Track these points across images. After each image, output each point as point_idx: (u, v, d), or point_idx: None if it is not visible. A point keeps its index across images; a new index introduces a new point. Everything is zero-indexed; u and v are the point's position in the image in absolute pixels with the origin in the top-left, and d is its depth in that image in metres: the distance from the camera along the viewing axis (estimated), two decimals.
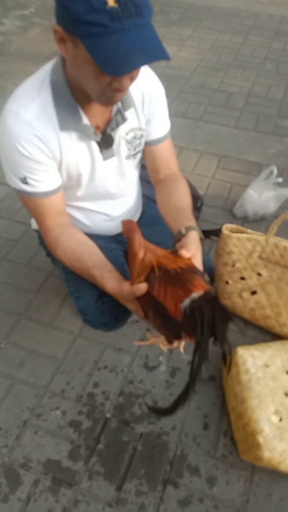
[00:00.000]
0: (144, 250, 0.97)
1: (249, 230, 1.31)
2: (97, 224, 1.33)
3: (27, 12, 4.17)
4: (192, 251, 0.99)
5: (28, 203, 1.09)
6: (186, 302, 0.85)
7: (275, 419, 1.15)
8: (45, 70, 1.00)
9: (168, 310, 0.87)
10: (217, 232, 1.47)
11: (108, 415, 1.29)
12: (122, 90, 0.90)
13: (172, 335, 0.91)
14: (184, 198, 1.22)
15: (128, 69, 0.80)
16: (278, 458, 1.09)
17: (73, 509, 1.11)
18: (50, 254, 1.44)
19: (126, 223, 1.02)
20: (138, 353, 1.44)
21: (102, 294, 1.26)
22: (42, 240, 1.39)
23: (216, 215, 1.99)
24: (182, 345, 0.98)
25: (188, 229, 1.08)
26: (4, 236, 1.88)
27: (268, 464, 1.11)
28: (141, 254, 0.96)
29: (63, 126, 1.00)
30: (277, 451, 1.09)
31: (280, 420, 1.15)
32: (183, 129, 2.54)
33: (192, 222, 1.12)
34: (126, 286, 0.99)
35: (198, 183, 2.13)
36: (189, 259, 0.97)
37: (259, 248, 1.28)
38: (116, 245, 1.42)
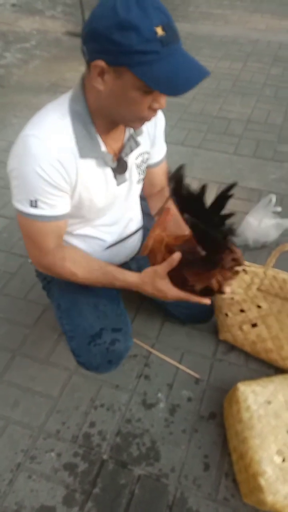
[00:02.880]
0: (162, 229, 1.10)
1: (246, 262, 1.30)
2: (98, 254, 1.33)
3: (28, 45, 4.31)
4: None
5: (29, 225, 1.08)
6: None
7: (277, 459, 1.12)
8: (63, 101, 1.04)
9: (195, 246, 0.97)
10: None
11: (104, 456, 1.27)
12: (160, 108, 0.97)
13: (215, 266, 0.99)
14: None
15: (187, 87, 0.87)
16: (282, 502, 1.05)
17: None
18: (46, 287, 1.44)
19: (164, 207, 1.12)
20: (136, 390, 1.42)
21: (95, 336, 1.25)
22: (40, 272, 1.39)
23: None
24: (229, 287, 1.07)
25: None
26: (1, 269, 1.88)
27: (271, 508, 1.07)
28: (157, 230, 1.09)
29: (83, 154, 1.03)
30: (280, 494, 1.06)
31: (283, 460, 1.11)
32: (182, 157, 2.57)
33: None
34: (156, 266, 1.08)
35: None
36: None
37: (257, 280, 1.27)
38: None
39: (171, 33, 0.83)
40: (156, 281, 1.08)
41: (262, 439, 1.13)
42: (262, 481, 1.07)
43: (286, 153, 2.63)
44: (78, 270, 1.14)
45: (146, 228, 1.55)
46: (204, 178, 2.41)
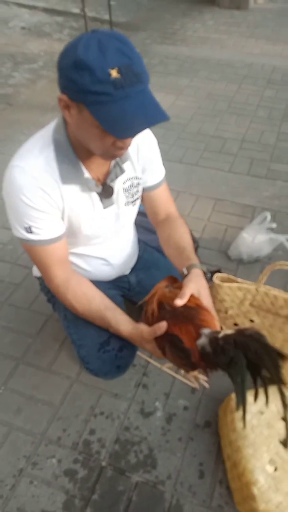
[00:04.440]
0: (171, 282, 1.08)
1: (239, 279, 1.30)
2: (97, 269, 1.33)
3: (35, 66, 4.34)
4: (191, 289, 1.01)
5: (33, 251, 1.10)
6: (203, 340, 0.90)
7: (270, 468, 1.11)
8: (48, 130, 1.04)
9: (184, 343, 0.92)
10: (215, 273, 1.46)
11: (103, 463, 1.25)
12: (124, 147, 0.95)
13: (189, 366, 0.95)
14: (183, 237, 1.24)
15: (133, 132, 0.85)
16: (274, 511, 1.04)
17: None
18: (51, 300, 1.43)
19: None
20: (135, 398, 1.41)
21: (104, 343, 1.25)
22: (44, 286, 1.38)
23: (211, 257, 1.99)
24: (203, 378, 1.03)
25: (189, 268, 1.11)
26: (6, 280, 1.88)
27: None
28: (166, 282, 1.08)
29: (65, 180, 1.03)
30: (272, 503, 1.04)
31: (275, 469, 1.10)
32: (180, 174, 2.58)
33: (192, 260, 1.15)
34: (144, 327, 1.04)
35: (194, 226, 2.15)
36: (194, 297, 1.03)
37: (250, 296, 1.27)
38: (116, 291, 1.42)
39: (130, 76, 0.80)
40: (143, 343, 1.08)
41: (255, 449, 1.12)
42: (255, 490, 1.05)
43: (278, 172, 2.64)
44: (78, 306, 1.15)
45: (143, 242, 1.55)
46: (201, 194, 2.42)
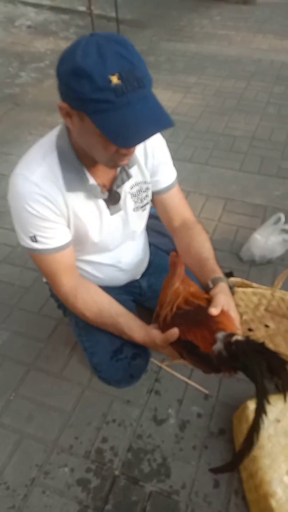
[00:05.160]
0: (181, 282, 1.02)
1: (254, 284, 1.27)
2: (107, 275, 1.30)
3: (42, 65, 4.31)
4: (222, 301, 0.99)
5: (40, 260, 1.08)
6: (219, 345, 0.88)
7: None
8: (51, 137, 1.02)
9: (200, 348, 0.90)
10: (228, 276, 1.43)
11: (116, 472, 1.23)
12: (129, 154, 0.93)
13: (212, 369, 0.92)
14: (204, 246, 1.20)
15: (137, 141, 0.82)
16: None
17: None
18: (62, 306, 1.41)
19: (173, 255, 1.06)
20: (147, 405, 1.38)
21: (117, 351, 1.22)
22: (54, 292, 1.36)
23: (223, 258, 1.95)
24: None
25: (215, 281, 1.08)
26: (16, 284, 1.86)
27: None
28: (177, 284, 1.02)
29: (70, 188, 1.01)
30: None
31: None
32: (190, 173, 2.54)
33: (217, 273, 1.11)
34: (157, 334, 1.02)
35: (204, 227, 2.10)
36: (206, 294, 1.03)
37: (265, 301, 1.24)
38: (127, 296, 1.39)
39: (132, 81, 0.76)
40: (158, 349, 1.06)
41: (272, 459, 1.09)
42: (273, 503, 1.03)
43: None
44: (89, 314, 1.12)
45: (154, 246, 1.52)
46: (210, 194, 2.38)
